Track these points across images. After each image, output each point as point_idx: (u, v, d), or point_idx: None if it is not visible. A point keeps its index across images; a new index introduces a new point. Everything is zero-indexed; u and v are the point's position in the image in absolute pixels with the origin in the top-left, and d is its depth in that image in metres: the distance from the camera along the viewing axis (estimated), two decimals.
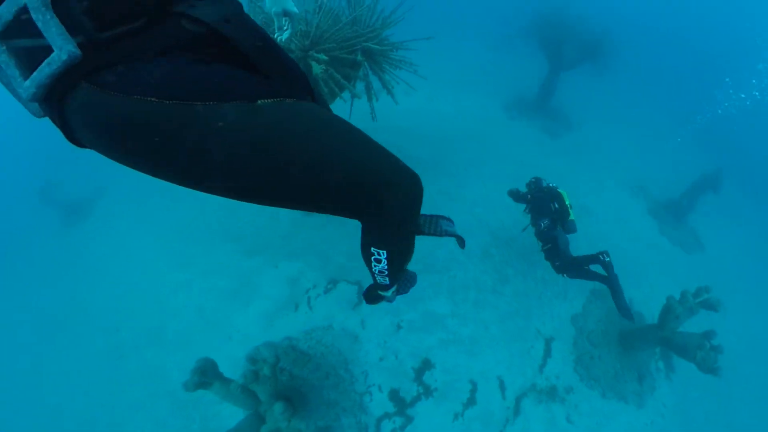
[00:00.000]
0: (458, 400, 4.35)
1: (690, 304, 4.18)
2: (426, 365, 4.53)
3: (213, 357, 3.25)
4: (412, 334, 4.70)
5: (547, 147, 8.87)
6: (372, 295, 1.36)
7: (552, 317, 5.08)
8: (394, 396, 4.32)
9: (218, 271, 5.66)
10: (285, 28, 1.80)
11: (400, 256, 1.05)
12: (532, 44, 9.78)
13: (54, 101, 0.65)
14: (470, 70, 11.35)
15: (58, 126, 0.70)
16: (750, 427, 5.11)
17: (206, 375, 3.24)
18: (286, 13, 1.73)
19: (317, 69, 3.73)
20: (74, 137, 0.71)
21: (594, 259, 4.47)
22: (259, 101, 0.70)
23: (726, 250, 7.90)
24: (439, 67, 8.95)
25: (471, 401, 4.36)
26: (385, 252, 0.98)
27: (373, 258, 1.00)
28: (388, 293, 1.33)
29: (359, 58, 3.98)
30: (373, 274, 1.11)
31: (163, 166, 0.69)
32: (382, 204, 0.82)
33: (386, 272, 1.07)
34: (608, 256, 4.41)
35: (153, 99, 0.63)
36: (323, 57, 3.69)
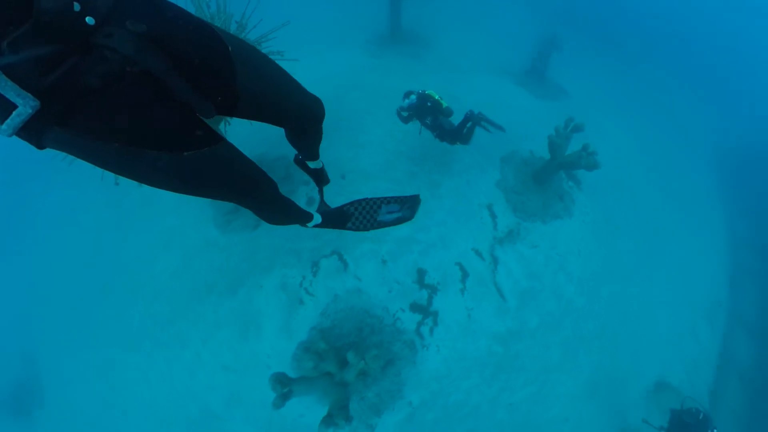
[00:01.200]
0: (456, 281, 5.57)
1: (564, 133, 5.77)
2: (421, 274, 5.61)
3: (264, 388, 3.81)
4: (397, 259, 5.69)
5: (415, 69, 9.86)
6: (302, 165, 2.06)
7: (483, 191, 6.49)
8: (415, 307, 5.36)
9: (215, 325, 5.82)
10: None
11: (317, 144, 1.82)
12: None
13: (33, 138, 0.86)
14: (324, 30, 11.54)
15: (32, 144, 0.90)
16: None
17: (283, 383, 3.82)
18: None
19: None
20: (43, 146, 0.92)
21: (467, 119, 5.71)
22: (185, 153, 1.03)
23: (583, 87, 9.98)
24: (300, 39, 9.22)
25: (464, 276, 5.62)
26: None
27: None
28: (319, 165, 2.03)
29: None
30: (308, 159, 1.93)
31: (125, 174, 1.03)
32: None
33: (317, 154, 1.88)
34: (471, 112, 5.68)
35: (116, 144, 0.91)
36: None
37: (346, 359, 4.21)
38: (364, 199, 2.07)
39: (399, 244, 5.81)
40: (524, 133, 7.20)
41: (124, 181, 4.05)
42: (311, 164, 2.03)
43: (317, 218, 2.00)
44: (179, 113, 1.01)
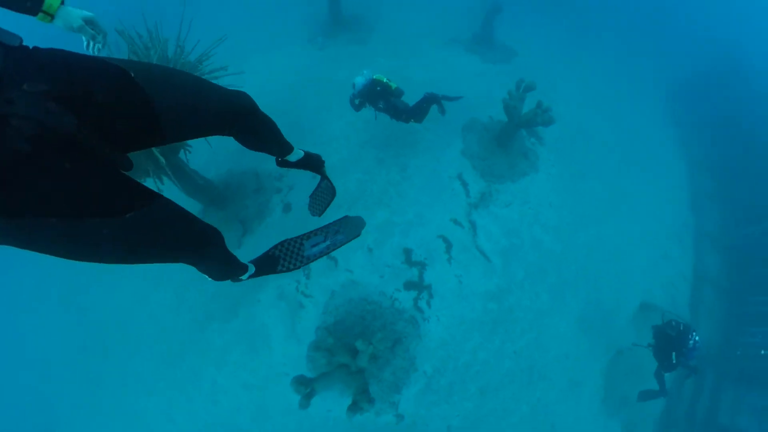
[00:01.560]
0: (442, 253, 5.88)
1: (517, 95, 5.97)
2: (407, 253, 5.88)
3: (288, 395, 4.01)
4: (382, 245, 5.93)
5: (364, 54, 9.74)
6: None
7: (450, 163, 6.74)
8: (409, 285, 5.65)
9: (224, 350, 5.95)
10: (97, 40, 1.64)
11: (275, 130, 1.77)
12: None
13: None
14: (265, 32, 11.26)
15: None
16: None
17: (305, 384, 4.05)
18: (87, 22, 1.58)
19: None
20: None
21: (425, 99, 5.90)
22: (127, 215, 1.02)
23: (532, 44, 9.95)
24: (243, 48, 9.07)
25: (449, 247, 5.93)
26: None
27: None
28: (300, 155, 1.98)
29: None
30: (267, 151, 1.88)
31: (71, 253, 1.00)
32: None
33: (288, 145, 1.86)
34: (430, 93, 5.88)
35: (54, 220, 0.89)
36: None
37: (356, 348, 4.47)
38: (285, 241, 2.09)
39: (381, 231, 6.04)
40: (481, 100, 7.45)
41: None
42: (291, 157, 1.93)
43: (251, 269, 1.98)
44: (109, 172, 0.99)
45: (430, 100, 5.89)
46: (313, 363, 4.90)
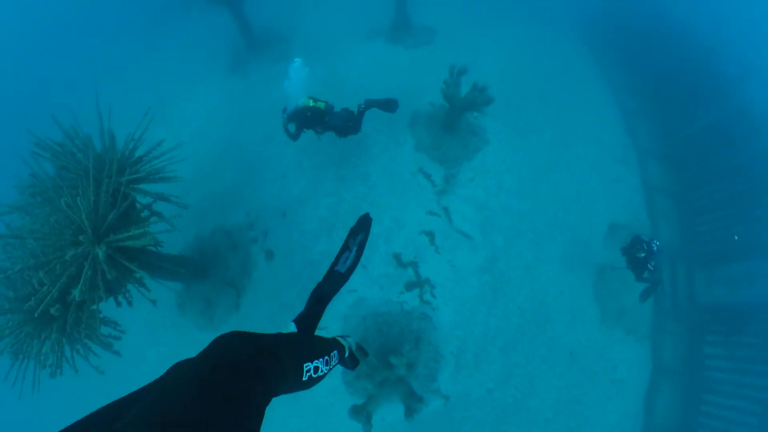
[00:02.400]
0: (428, 246, 6.32)
1: (452, 81, 6.10)
2: (397, 257, 6.28)
3: (339, 419, 4.36)
4: (372, 259, 6.29)
5: (286, 72, 9.41)
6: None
7: (407, 159, 7.03)
8: (410, 286, 6.10)
9: (268, 410, 6.18)
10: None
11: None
12: None
13: None
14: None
15: None
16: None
17: (359, 410, 4.42)
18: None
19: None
20: None
21: (360, 113, 5.99)
22: None
23: (449, 20, 9.85)
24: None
25: (432, 238, 6.37)
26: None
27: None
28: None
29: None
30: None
31: None
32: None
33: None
34: (363, 107, 5.98)
35: None
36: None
37: (389, 362, 4.88)
38: (319, 285, 2.16)
39: (366, 246, 6.34)
40: (416, 89, 7.70)
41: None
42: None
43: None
44: None
45: (363, 112, 6.01)
46: (354, 389, 5.28)
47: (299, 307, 6.04)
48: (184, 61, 10.58)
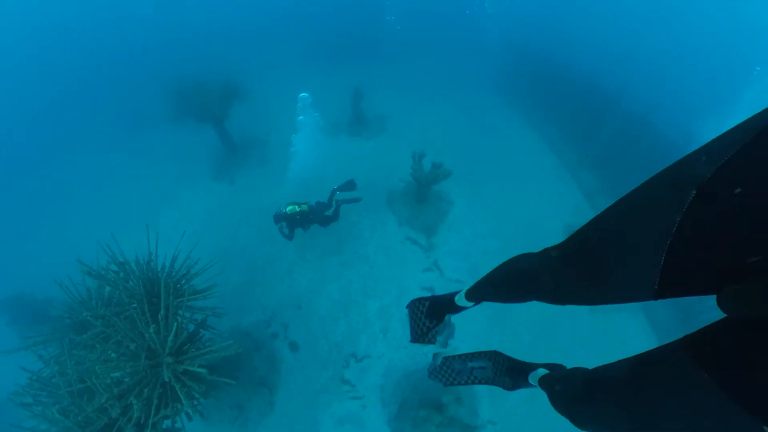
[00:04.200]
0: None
1: (416, 165, 7.84)
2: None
3: None
4: (390, 327, 7.26)
5: (268, 177, 10.64)
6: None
7: (394, 234, 8.43)
8: None
9: None
10: None
11: None
12: None
13: None
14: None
15: None
16: None
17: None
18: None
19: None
20: None
21: (336, 208, 7.74)
22: None
23: (400, 109, 12.02)
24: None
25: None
26: None
27: None
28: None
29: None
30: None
31: None
32: None
33: None
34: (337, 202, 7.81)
35: None
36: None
37: (441, 402, 5.71)
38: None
39: (382, 316, 7.38)
40: (384, 171, 9.46)
41: None
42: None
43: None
44: None
45: (332, 200, 7.77)
46: None
47: (335, 388, 6.70)
48: (169, 171, 11.63)
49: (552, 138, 11.10)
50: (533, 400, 6.97)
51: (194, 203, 10.56)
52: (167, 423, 4.50)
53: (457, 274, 7.84)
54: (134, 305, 4.93)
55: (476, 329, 7.37)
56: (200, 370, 4.63)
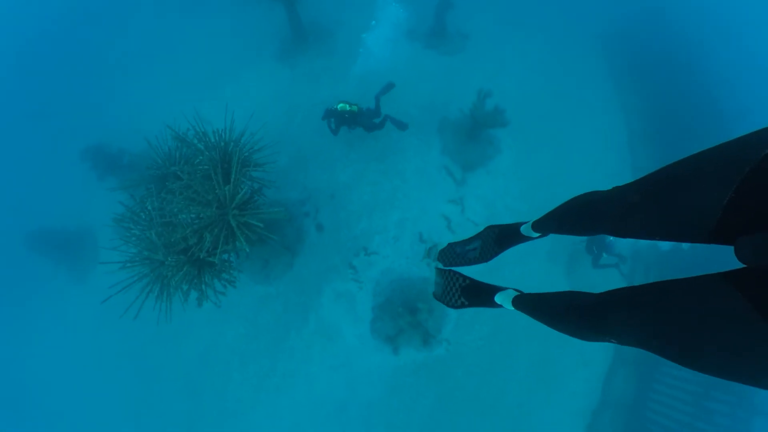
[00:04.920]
0: (445, 229, 8.35)
1: (479, 103, 7.89)
2: (420, 235, 8.32)
3: (367, 359, 6.57)
4: (402, 237, 8.33)
5: (331, 69, 11.15)
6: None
7: (435, 160, 8.93)
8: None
9: (307, 346, 8.37)
10: None
11: None
12: None
13: None
14: (226, 53, 12.19)
15: None
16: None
17: (391, 338, 6.63)
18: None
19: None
20: None
21: (381, 117, 8.13)
22: None
23: (482, 28, 11.27)
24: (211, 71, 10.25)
25: (448, 223, 8.40)
26: None
27: None
28: None
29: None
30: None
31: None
32: None
33: None
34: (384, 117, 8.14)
35: None
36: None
37: (416, 307, 7.08)
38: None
39: (399, 227, 8.45)
40: (446, 95, 9.53)
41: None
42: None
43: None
44: None
45: (386, 119, 8.21)
46: (378, 332, 7.48)
47: (343, 270, 8.17)
48: (233, 44, 12.05)
49: (635, 131, 10.28)
50: (490, 344, 8.25)
51: (255, 81, 11.18)
52: (224, 256, 6.04)
53: (475, 217, 8.54)
54: (207, 167, 6.15)
55: (468, 268, 8.36)
56: (258, 224, 5.98)
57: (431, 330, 7.74)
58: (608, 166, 9.89)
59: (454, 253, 2.38)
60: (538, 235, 2.03)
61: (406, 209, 8.57)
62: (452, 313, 8.04)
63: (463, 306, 2.20)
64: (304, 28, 11.54)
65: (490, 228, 2.30)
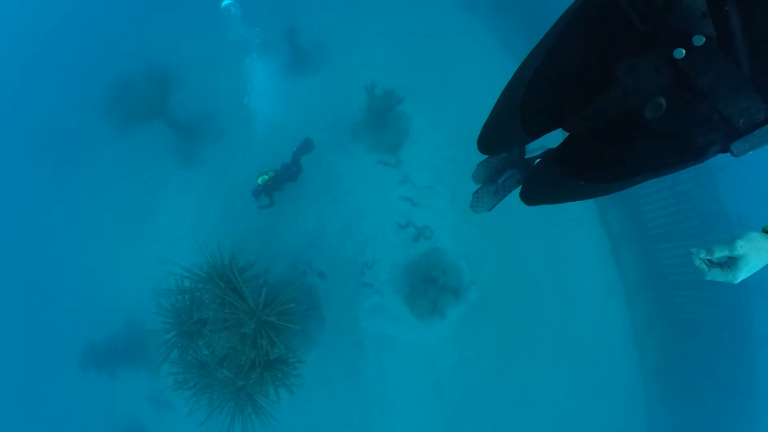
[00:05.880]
0: (410, 207, 9.50)
1: (370, 98, 8.98)
2: (398, 224, 9.43)
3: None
4: (386, 233, 9.39)
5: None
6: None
7: (367, 162, 9.90)
8: (415, 237, 9.34)
9: None
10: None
11: None
12: None
13: None
14: None
15: None
16: None
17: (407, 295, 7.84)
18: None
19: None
20: None
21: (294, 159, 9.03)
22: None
23: (341, 34, 12.37)
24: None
25: (411, 202, 9.53)
26: None
27: None
28: None
29: None
30: None
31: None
32: None
33: None
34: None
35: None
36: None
37: (432, 279, 8.30)
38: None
39: (376, 231, 9.45)
40: (342, 104, 10.44)
41: None
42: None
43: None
44: None
45: (299, 160, 9.21)
46: (420, 310, 8.68)
47: (360, 293, 9.19)
48: (138, 177, 12.40)
49: (513, 45, 11.23)
50: (503, 262, 9.61)
51: (178, 198, 11.72)
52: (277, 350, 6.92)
53: (427, 182, 9.70)
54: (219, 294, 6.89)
55: (448, 223, 9.57)
56: (289, 325, 6.90)
57: (455, 285, 9.00)
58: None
59: (489, 193, 2.47)
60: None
61: (372, 213, 9.61)
62: (459, 262, 9.31)
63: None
64: (186, 126, 12.01)
65: (488, 160, 2.46)
